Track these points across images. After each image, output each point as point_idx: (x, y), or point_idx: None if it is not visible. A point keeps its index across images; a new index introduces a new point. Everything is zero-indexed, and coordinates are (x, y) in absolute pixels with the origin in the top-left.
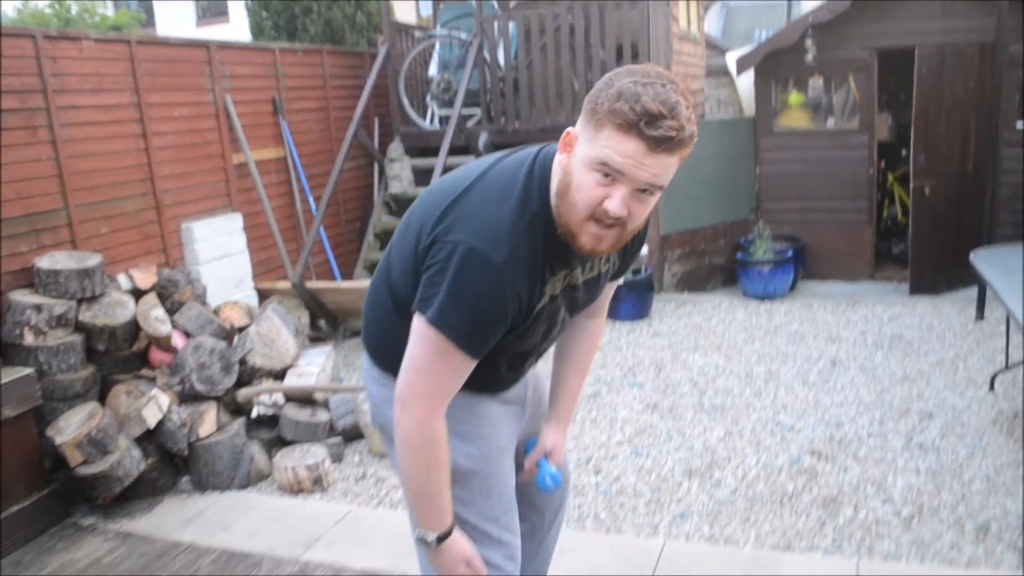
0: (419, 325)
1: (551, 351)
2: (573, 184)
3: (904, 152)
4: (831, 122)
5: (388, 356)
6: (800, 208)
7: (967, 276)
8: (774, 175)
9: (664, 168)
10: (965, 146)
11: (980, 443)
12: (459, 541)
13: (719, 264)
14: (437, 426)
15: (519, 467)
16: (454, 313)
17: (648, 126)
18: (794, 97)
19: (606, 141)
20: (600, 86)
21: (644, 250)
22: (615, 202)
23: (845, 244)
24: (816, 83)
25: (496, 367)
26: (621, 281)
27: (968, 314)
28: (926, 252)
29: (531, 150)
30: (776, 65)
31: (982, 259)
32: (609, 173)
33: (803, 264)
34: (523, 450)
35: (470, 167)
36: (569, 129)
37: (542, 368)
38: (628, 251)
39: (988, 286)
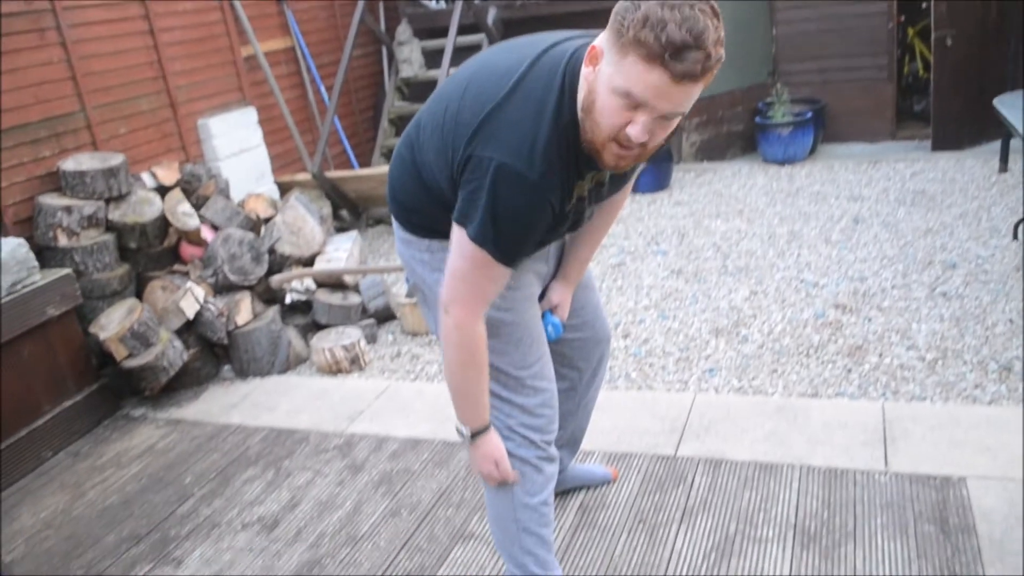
0: (460, 239)
1: None
2: (597, 105)
3: (924, 4)
4: None
5: (414, 219)
6: (818, 69)
7: (991, 129)
8: (791, 35)
9: (688, 97)
10: None
11: (1003, 289)
12: (492, 440)
13: (738, 131)
14: (477, 328)
15: None
16: (493, 230)
17: (673, 58)
18: None
19: (630, 69)
20: (627, 4)
21: None
22: (637, 129)
23: (865, 103)
24: None
25: None
26: (642, 166)
27: (991, 167)
28: (948, 106)
29: (564, 51)
30: None
31: (1006, 104)
32: (632, 101)
33: (823, 126)
34: None
35: (508, 62)
36: (594, 44)
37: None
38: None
39: (1011, 131)
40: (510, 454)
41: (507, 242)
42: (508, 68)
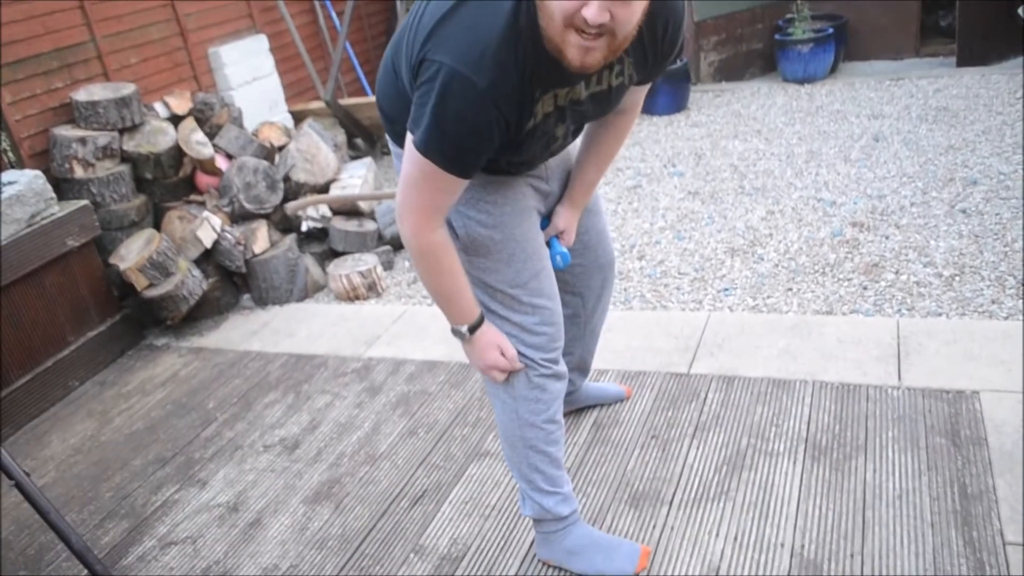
0: (409, 145)
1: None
2: None
3: None
4: None
5: (397, 129)
6: None
7: (1018, 44)
8: None
9: None
10: None
11: None
12: (490, 329)
13: (757, 49)
14: (433, 236)
15: None
16: (437, 138)
17: None
18: None
19: None
20: None
21: None
22: (592, 9)
23: (889, 19)
24: None
25: (497, 167)
26: (649, 86)
27: (1017, 81)
28: (974, 20)
29: None
30: None
31: None
32: None
33: (845, 43)
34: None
35: None
36: None
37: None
38: (650, 61)
39: None
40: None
41: (454, 151)
42: None
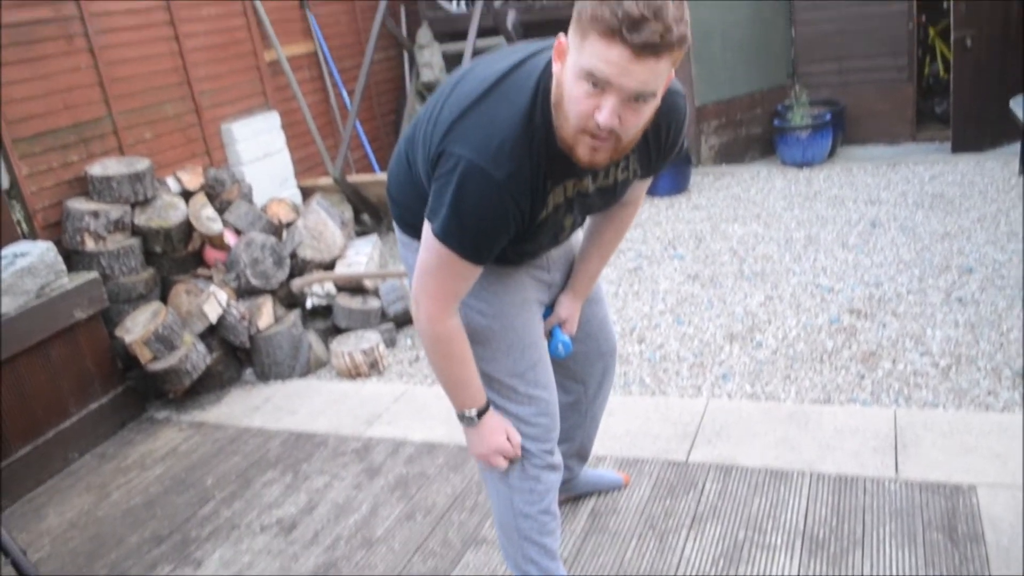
0: (427, 233)
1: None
2: (565, 96)
3: (945, 4)
4: None
5: (407, 218)
6: (838, 70)
7: (1011, 131)
8: (810, 36)
9: (653, 74)
10: None
11: (1020, 294)
12: (496, 415)
13: (756, 134)
14: (448, 323)
15: None
16: (456, 228)
17: (631, 31)
18: None
19: (591, 49)
20: None
21: None
22: (604, 114)
23: (885, 105)
24: None
25: (504, 257)
26: (651, 180)
27: (1011, 169)
28: (968, 107)
29: (547, 57)
30: None
31: (1022, 105)
32: (597, 83)
33: (842, 128)
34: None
35: (494, 66)
36: (560, 38)
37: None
38: (654, 158)
39: None
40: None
41: (470, 240)
42: (493, 72)
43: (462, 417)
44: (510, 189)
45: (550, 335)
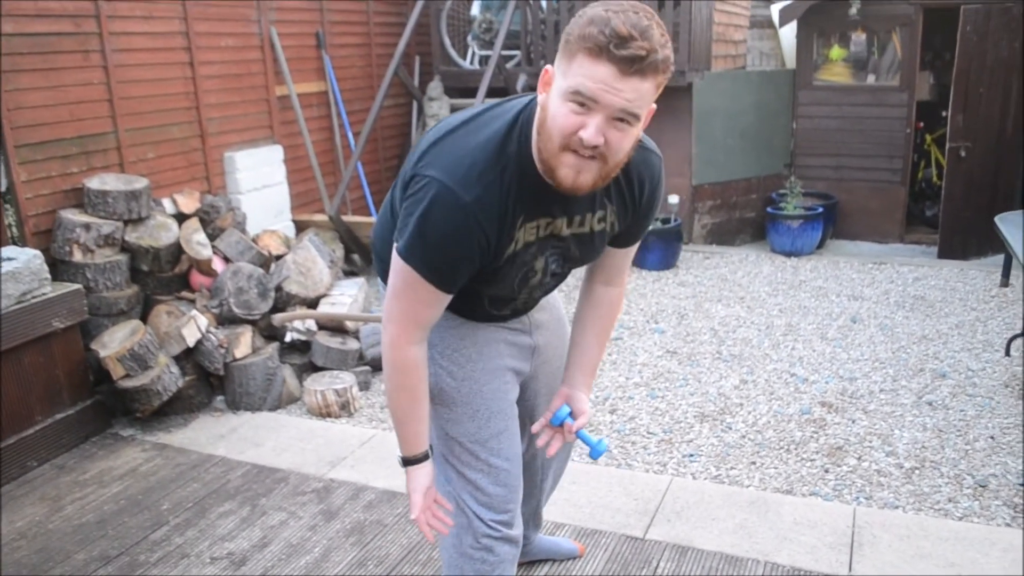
0: (395, 255)
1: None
2: (549, 117)
3: (944, 113)
4: (871, 79)
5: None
6: (835, 165)
7: (997, 242)
8: (810, 130)
9: (638, 94)
10: (1005, 108)
11: (989, 404)
12: (424, 473)
13: (749, 218)
14: (408, 350)
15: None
16: (420, 246)
17: (618, 47)
18: (836, 51)
19: (578, 68)
20: (574, 19)
21: (674, 199)
22: (590, 130)
23: (877, 204)
24: (859, 38)
25: (479, 302)
26: (635, 248)
27: (994, 279)
28: (958, 215)
29: (530, 97)
30: (819, 17)
31: (1007, 222)
32: (584, 102)
33: (833, 222)
34: (540, 412)
35: (479, 107)
36: (547, 67)
37: (563, 304)
38: (632, 213)
39: (1008, 249)
40: (459, 528)
41: (433, 259)
42: (475, 110)
43: (399, 459)
44: (476, 213)
45: (579, 438)
